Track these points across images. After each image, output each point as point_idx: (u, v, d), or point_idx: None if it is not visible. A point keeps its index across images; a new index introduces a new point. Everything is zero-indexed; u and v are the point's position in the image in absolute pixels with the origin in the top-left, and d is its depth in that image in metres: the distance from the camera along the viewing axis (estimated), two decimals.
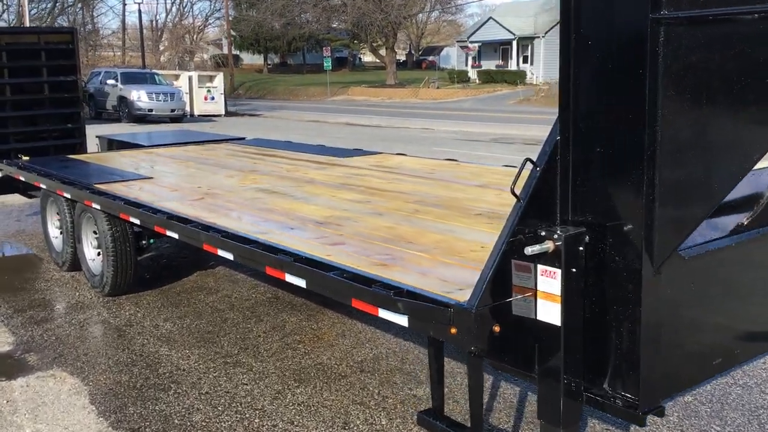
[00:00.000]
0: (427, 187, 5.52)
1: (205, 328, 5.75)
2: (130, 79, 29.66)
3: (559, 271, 2.73)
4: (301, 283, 3.51)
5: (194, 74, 32.94)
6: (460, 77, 48.02)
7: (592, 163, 2.68)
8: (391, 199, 5.05)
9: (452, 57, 57.97)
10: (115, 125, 26.94)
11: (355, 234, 4.02)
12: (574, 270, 2.73)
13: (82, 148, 8.96)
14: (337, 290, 3.28)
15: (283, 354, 5.20)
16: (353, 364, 5.01)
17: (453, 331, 2.77)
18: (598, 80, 2.59)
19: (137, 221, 5.12)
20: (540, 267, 2.78)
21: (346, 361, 5.07)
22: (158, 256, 7.76)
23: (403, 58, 69.24)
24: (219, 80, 33.08)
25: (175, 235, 4.66)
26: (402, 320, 2.97)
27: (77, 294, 6.71)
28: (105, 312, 6.20)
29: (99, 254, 6.40)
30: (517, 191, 2.77)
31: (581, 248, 2.75)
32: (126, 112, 28.42)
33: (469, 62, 51.85)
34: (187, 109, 30.94)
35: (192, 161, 7.60)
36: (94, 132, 17.45)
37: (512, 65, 49.14)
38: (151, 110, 28.13)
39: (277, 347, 5.34)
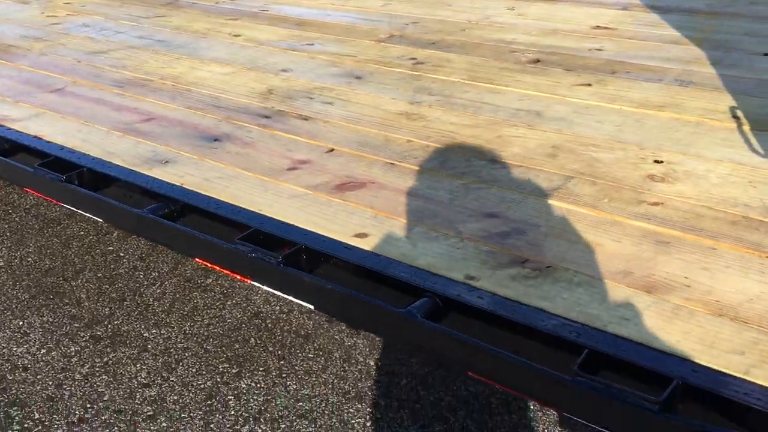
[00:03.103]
0: None
1: (53, 279, 3.51)
2: None
3: None
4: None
5: None
6: None
7: None
8: (343, 33, 2.90)
9: None
10: None
11: (361, 144, 1.97)
12: None
13: None
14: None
15: (216, 338, 3.19)
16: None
17: None
18: None
19: None
20: None
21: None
22: None
23: None
24: None
25: None
26: None
27: None
28: None
29: None
30: None
31: None
32: None
33: None
34: None
35: None
36: None
37: None
38: None
39: (187, 311, 3.29)
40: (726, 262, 1.39)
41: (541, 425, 2.25)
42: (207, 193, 1.73)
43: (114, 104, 2.35)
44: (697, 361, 1.14)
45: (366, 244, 1.49)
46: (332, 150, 1.93)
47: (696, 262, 1.39)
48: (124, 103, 2.34)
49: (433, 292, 1.34)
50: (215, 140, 2.03)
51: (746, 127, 1.90)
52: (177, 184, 1.78)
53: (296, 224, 1.58)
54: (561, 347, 1.21)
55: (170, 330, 3.09)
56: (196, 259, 1.68)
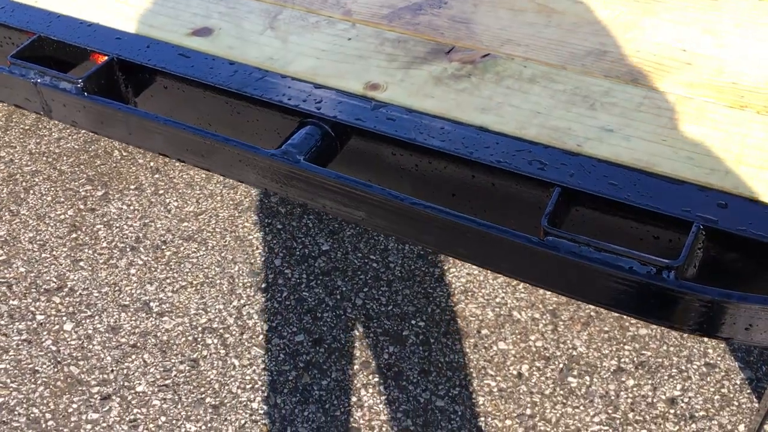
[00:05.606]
0: None
1: None
2: None
3: None
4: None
5: None
6: None
7: None
8: None
9: None
10: None
11: None
12: None
13: None
14: None
15: None
16: None
17: None
18: None
19: None
20: None
21: None
22: None
23: None
24: None
25: None
26: None
27: None
28: None
29: None
30: None
31: None
32: None
33: None
34: None
35: None
36: None
37: None
38: None
39: (30, 124, 2.69)
40: (731, 18, 0.96)
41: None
42: None
43: None
44: (720, 188, 0.75)
45: (211, 46, 0.98)
46: None
47: (693, 22, 0.96)
48: None
49: (318, 116, 0.87)
50: None
51: None
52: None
53: (102, 23, 1.04)
54: (519, 188, 0.80)
55: (12, 151, 2.54)
56: None
